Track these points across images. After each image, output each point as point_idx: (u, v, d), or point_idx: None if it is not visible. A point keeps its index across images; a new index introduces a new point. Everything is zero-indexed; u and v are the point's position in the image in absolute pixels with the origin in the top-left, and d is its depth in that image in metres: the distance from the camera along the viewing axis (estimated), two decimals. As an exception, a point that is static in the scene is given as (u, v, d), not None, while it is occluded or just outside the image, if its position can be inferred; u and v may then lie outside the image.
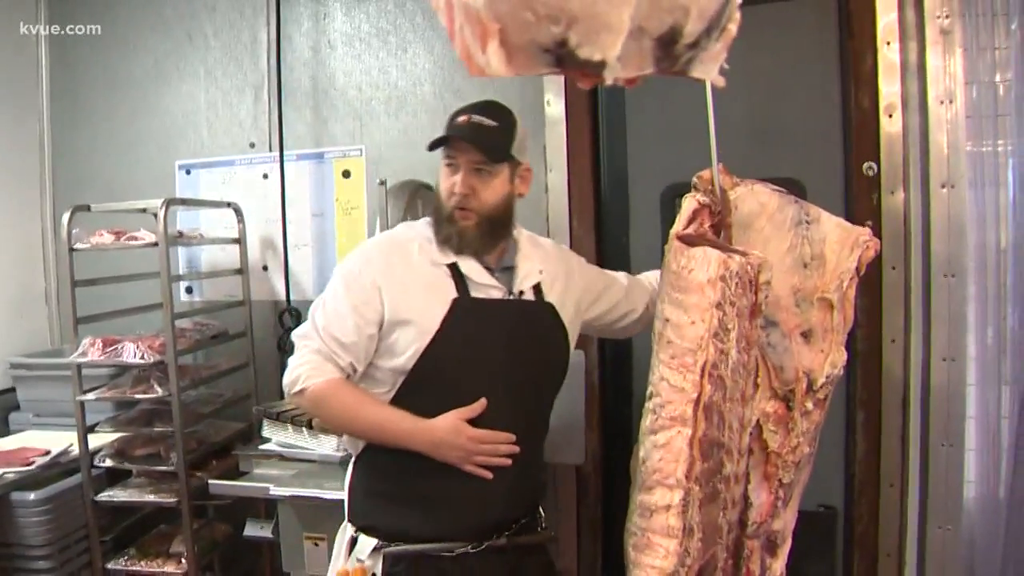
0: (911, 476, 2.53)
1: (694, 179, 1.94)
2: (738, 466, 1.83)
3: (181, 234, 2.99)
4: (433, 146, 1.91)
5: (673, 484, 1.73)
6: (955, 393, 2.42)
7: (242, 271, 3.20)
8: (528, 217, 2.85)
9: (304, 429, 2.62)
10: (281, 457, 2.68)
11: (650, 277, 2.26)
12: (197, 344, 2.97)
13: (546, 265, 2.01)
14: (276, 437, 2.71)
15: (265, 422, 2.74)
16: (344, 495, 2.01)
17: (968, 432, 2.41)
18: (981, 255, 2.36)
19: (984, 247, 2.35)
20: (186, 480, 2.76)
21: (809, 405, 1.82)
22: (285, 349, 3.17)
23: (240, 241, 3.19)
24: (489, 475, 1.85)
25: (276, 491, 2.41)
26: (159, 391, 2.74)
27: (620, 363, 2.98)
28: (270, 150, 3.23)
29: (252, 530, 2.71)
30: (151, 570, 2.87)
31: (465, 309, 1.87)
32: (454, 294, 1.87)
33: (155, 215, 2.97)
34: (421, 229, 1.97)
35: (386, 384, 1.90)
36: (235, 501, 2.81)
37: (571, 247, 2.83)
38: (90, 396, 2.80)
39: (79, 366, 2.79)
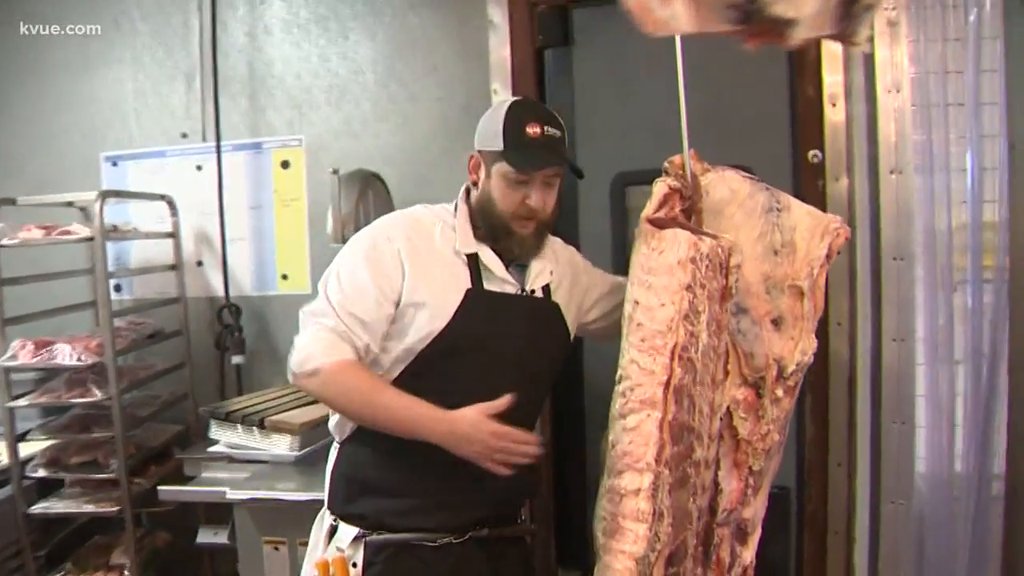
0: (860, 455, 2.59)
1: (665, 164, 1.93)
2: (708, 451, 1.82)
3: (115, 228, 2.84)
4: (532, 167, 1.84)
5: (643, 468, 1.71)
6: (905, 373, 2.49)
7: (176, 267, 3.06)
8: (475, 207, 2.86)
9: (255, 429, 2.52)
10: (230, 459, 2.57)
11: None
12: (134, 344, 2.83)
13: (555, 265, 2.00)
14: (225, 438, 2.60)
15: (212, 423, 2.62)
16: (325, 483, 1.95)
17: (918, 410, 2.49)
18: (929, 239, 2.43)
19: (932, 232, 2.42)
20: (128, 487, 2.63)
21: (779, 392, 1.83)
22: (225, 347, 3.05)
23: (174, 235, 3.05)
24: (508, 471, 1.76)
25: (233, 495, 2.30)
26: (98, 394, 2.59)
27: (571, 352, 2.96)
28: (203, 140, 3.09)
29: (206, 537, 2.60)
30: (91, 584, 2.73)
31: (479, 300, 1.85)
32: (468, 284, 1.85)
33: (82, 209, 2.83)
34: (441, 214, 1.94)
35: (385, 367, 1.86)
36: (176, 508, 2.71)
37: (519, 236, 2.82)
38: (22, 402, 2.64)
39: (7, 370, 2.62)
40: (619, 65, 2.87)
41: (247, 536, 2.35)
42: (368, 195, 2.60)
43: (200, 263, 3.15)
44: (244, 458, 2.55)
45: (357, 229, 2.48)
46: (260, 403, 2.66)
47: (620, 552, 1.73)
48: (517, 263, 1.92)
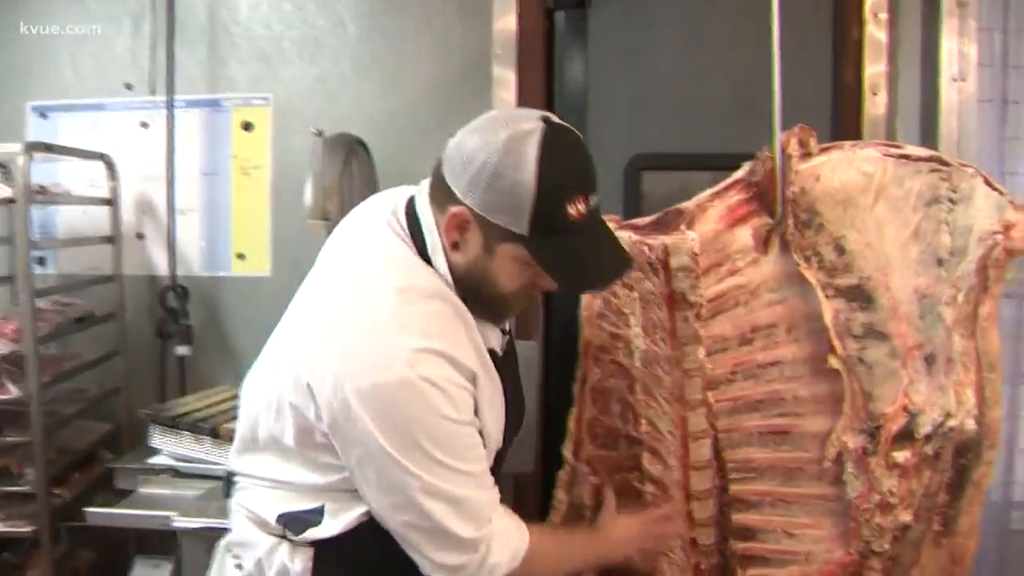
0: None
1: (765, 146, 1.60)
2: (693, 479, 1.61)
3: (43, 189, 2.38)
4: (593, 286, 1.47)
5: (565, 459, 1.73)
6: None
7: (113, 239, 2.62)
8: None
9: (207, 438, 2.12)
10: (175, 472, 2.16)
11: None
12: (59, 329, 2.37)
13: None
14: (169, 447, 2.19)
15: (154, 429, 2.20)
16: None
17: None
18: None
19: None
20: (47, 502, 2.19)
21: (899, 456, 1.46)
22: (167, 335, 2.62)
23: (112, 202, 2.60)
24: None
25: (182, 522, 1.89)
26: (13, 391, 2.14)
27: (566, 356, 2.62)
28: (151, 93, 2.65)
29: (144, 571, 2.17)
30: (-1, 613, 2.27)
31: (504, 386, 1.42)
32: (499, 379, 1.39)
33: (2, 166, 2.38)
34: (445, 294, 1.33)
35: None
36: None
37: (521, 224, 2.48)
38: (-82, 397, 2.16)
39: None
40: (641, 32, 2.56)
41: (195, 571, 1.92)
42: (352, 165, 2.22)
43: (141, 236, 2.71)
44: (193, 472, 2.14)
45: (341, 204, 2.11)
46: (212, 405, 2.27)
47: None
48: None
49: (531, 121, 1.25)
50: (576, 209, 1.23)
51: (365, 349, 1.24)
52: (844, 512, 1.52)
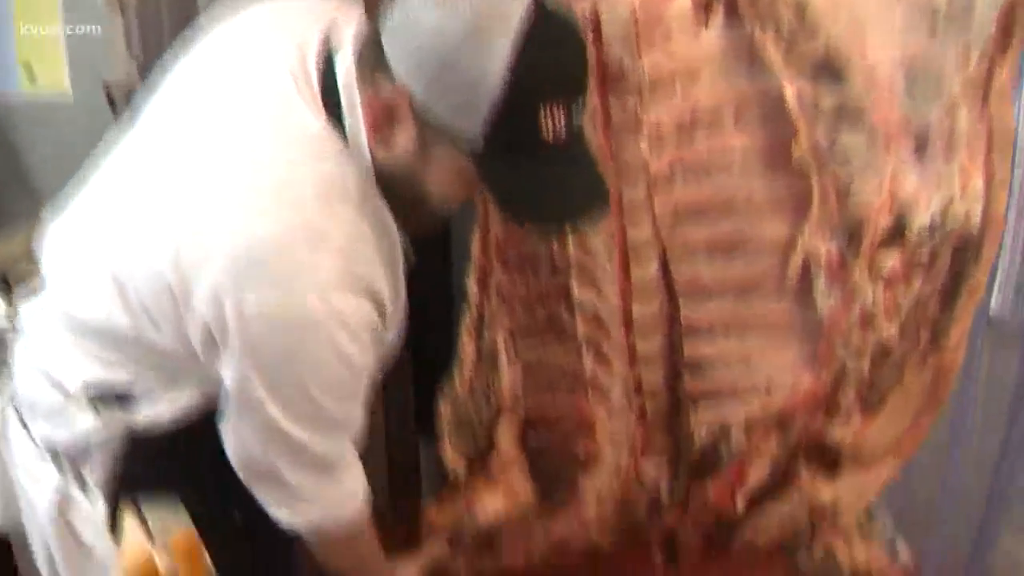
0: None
1: None
2: (629, 304, 1.39)
3: None
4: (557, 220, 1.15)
5: (469, 294, 1.49)
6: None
7: None
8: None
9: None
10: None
11: None
12: None
13: None
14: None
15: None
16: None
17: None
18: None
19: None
20: None
21: (887, 260, 1.24)
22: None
23: None
24: None
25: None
26: None
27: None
28: None
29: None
30: None
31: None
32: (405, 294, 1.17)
33: None
34: (374, 193, 1.07)
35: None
36: None
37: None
38: None
39: None
40: None
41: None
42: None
43: None
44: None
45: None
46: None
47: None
48: None
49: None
50: (551, 122, 0.96)
51: (262, 263, 0.99)
52: (812, 332, 1.33)
